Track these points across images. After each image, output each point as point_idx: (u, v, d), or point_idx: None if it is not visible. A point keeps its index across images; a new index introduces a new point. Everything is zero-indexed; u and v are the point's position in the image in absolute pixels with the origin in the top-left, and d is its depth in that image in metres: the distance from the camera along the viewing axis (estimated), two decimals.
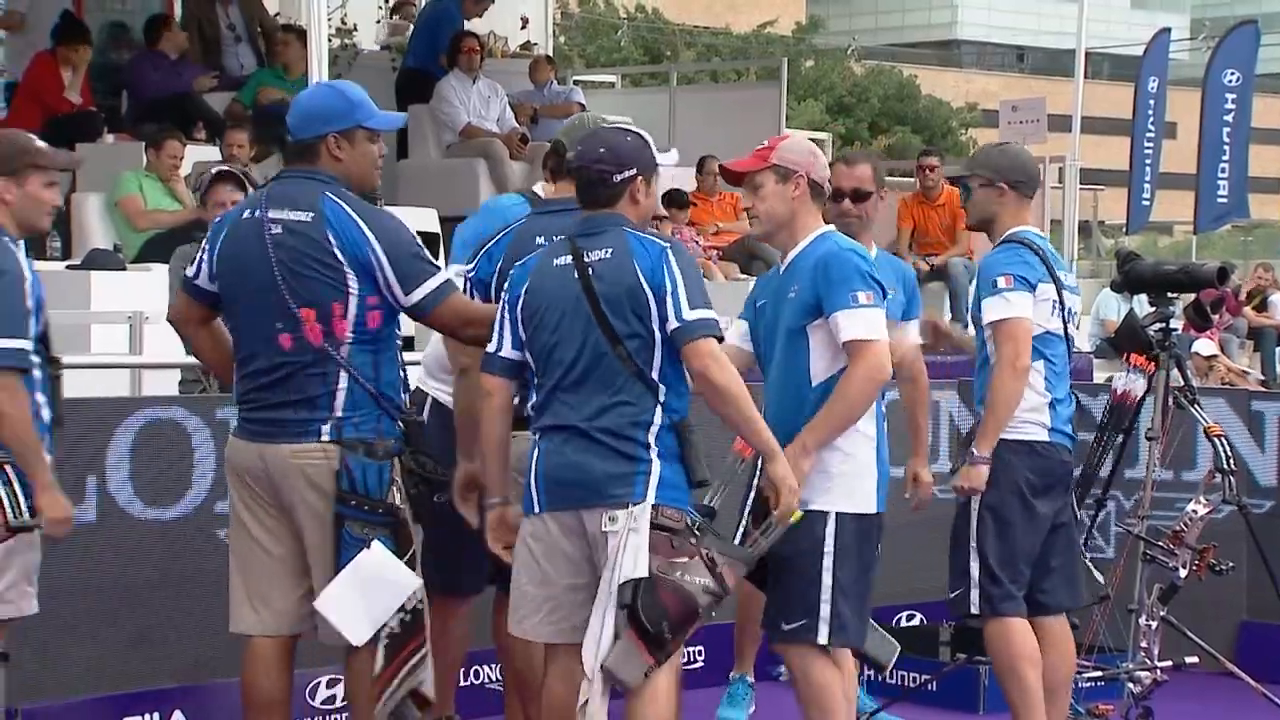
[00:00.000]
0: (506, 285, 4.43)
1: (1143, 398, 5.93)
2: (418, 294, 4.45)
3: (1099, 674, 5.80)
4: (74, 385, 6.21)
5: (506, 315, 4.38)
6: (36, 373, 4.54)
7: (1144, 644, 5.68)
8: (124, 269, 8.30)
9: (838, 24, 50.10)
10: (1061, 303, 5.11)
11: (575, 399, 4.29)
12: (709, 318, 4.24)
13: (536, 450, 4.34)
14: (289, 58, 10.66)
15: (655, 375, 4.25)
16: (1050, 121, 12.48)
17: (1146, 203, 14.79)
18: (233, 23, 11.51)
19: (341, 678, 5.36)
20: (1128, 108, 14.70)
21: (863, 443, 4.55)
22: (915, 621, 6.87)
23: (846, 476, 4.53)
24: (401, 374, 4.60)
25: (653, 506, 4.21)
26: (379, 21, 13.27)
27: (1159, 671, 5.68)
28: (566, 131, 4.94)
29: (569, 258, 4.33)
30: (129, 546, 5.41)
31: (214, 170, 6.12)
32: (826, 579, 4.50)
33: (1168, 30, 16.13)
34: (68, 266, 8.62)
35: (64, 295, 7.96)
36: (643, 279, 4.24)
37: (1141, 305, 9.13)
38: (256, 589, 4.51)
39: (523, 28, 13.50)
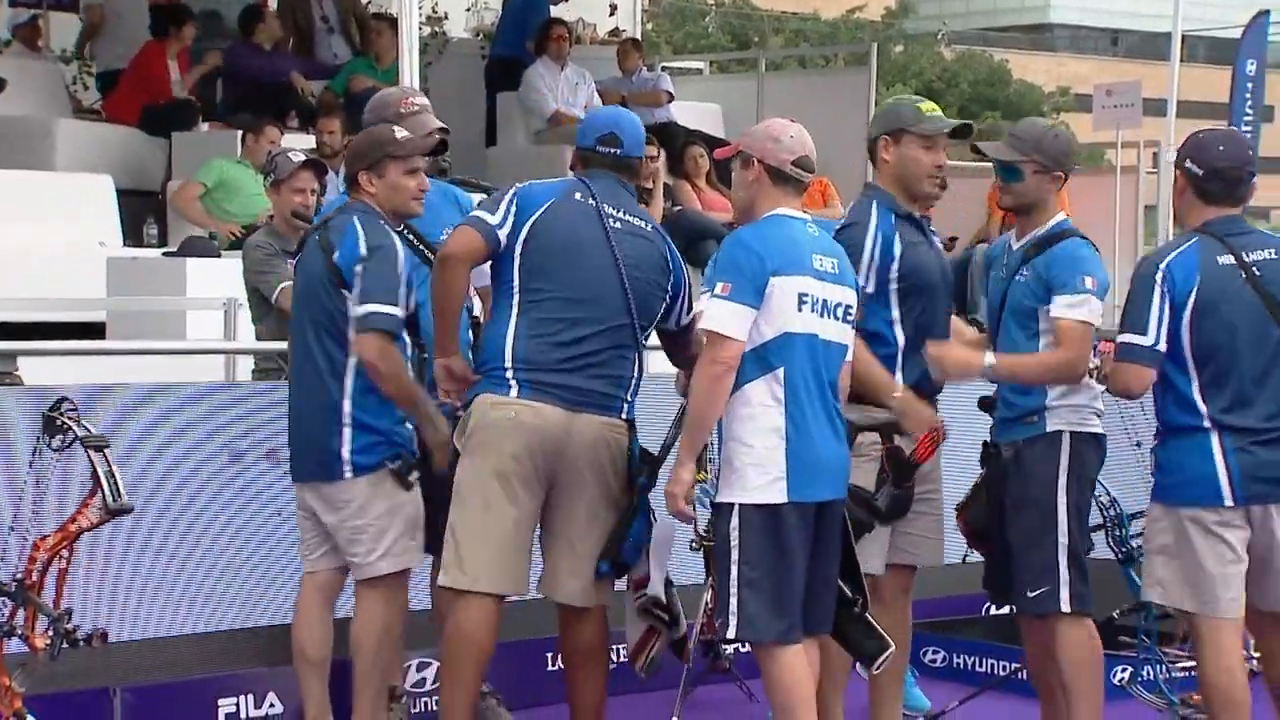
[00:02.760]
0: (1163, 279, 4.66)
1: None
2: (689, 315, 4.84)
3: (1192, 663, 5.72)
4: (169, 371, 6.33)
5: (1166, 308, 4.63)
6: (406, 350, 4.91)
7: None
8: (218, 256, 8.41)
9: (927, 8, 49.78)
10: None
11: (1257, 399, 4.65)
12: None
13: (1220, 447, 4.66)
14: (381, 47, 10.76)
15: None
16: (1145, 106, 12.29)
17: None
18: (325, 14, 11.62)
19: (431, 660, 5.45)
20: (1224, 91, 14.47)
21: (765, 434, 4.48)
22: (1005, 610, 6.81)
23: (748, 468, 4.48)
24: None
25: None
26: (469, 9, 13.34)
27: (1255, 661, 5.59)
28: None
29: (1230, 258, 4.66)
30: (226, 529, 5.50)
31: (298, 157, 6.15)
32: (734, 573, 4.49)
33: (1266, 12, 15.83)
34: (164, 253, 8.76)
35: (159, 281, 8.09)
36: None
37: None
38: (503, 551, 4.69)
39: (610, 14, 13.52)
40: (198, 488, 5.49)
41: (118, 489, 4.49)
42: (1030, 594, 5.00)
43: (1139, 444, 5.79)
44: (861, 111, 12.01)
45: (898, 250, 4.92)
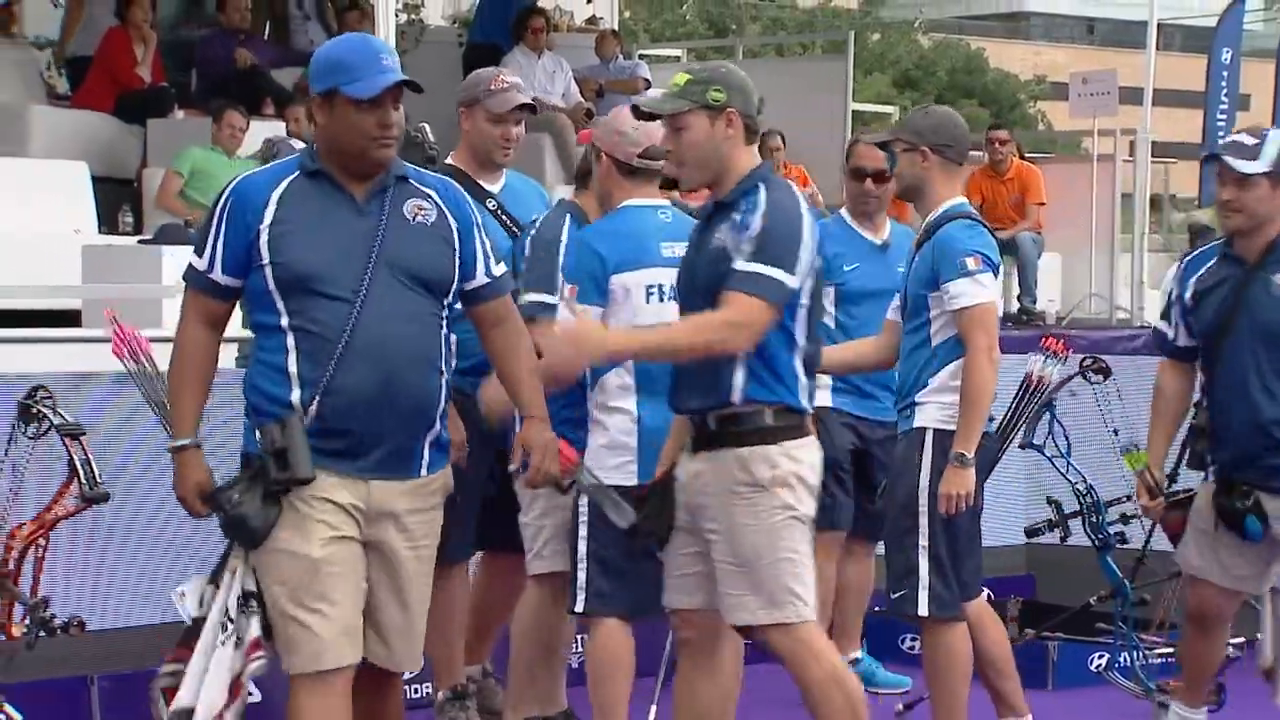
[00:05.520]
0: None
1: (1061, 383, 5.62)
2: None
3: (1170, 650, 5.75)
4: None
5: None
6: None
7: None
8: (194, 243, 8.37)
9: None
10: None
11: None
12: None
13: None
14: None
15: None
16: (1121, 94, 12.34)
17: None
18: (301, 1, 11.59)
19: None
20: (1200, 80, 14.51)
21: (619, 418, 4.55)
22: (982, 597, 6.82)
23: (601, 450, 4.55)
24: None
25: None
26: None
27: (1231, 648, 5.61)
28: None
29: None
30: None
31: (299, 144, 6.14)
32: (581, 549, 4.56)
33: (1241, 1, 15.89)
34: (139, 241, 8.73)
35: (135, 269, 8.06)
36: None
37: None
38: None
39: (588, 2, 13.50)
40: None
41: (94, 477, 4.48)
42: (893, 595, 4.91)
43: (1116, 431, 5.81)
44: (839, 99, 12.03)
45: None
